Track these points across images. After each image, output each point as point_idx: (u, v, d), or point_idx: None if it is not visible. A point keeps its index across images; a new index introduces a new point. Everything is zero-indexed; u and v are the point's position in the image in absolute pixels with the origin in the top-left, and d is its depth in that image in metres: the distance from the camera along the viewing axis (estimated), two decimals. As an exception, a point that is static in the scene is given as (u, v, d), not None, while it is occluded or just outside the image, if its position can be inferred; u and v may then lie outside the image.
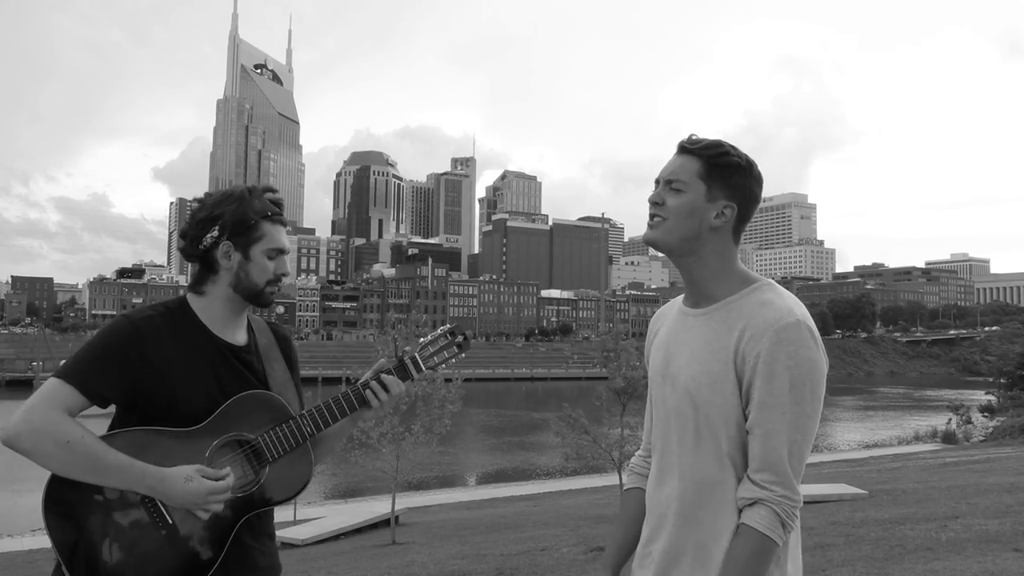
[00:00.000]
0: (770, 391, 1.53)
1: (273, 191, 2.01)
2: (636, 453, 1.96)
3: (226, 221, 1.89)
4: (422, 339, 2.07)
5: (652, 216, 1.68)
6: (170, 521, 1.76)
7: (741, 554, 1.54)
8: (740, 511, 1.57)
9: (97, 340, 1.81)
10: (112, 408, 1.84)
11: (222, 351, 1.90)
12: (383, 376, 1.99)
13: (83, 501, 1.73)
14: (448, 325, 2.14)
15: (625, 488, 1.94)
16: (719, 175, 1.63)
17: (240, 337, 1.97)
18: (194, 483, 1.74)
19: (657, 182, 1.70)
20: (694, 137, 1.69)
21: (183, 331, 1.87)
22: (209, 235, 1.89)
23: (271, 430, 1.88)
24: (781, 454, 1.53)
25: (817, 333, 1.57)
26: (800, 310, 1.58)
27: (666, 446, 1.71)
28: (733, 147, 1.65)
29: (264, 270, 1.92)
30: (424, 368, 2.04)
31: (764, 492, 1.53)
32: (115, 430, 1.80)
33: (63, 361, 1.83)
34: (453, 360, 2.09)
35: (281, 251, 1.96)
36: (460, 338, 2.07)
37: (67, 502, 1.73)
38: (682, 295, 1.81)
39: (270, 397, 1.92)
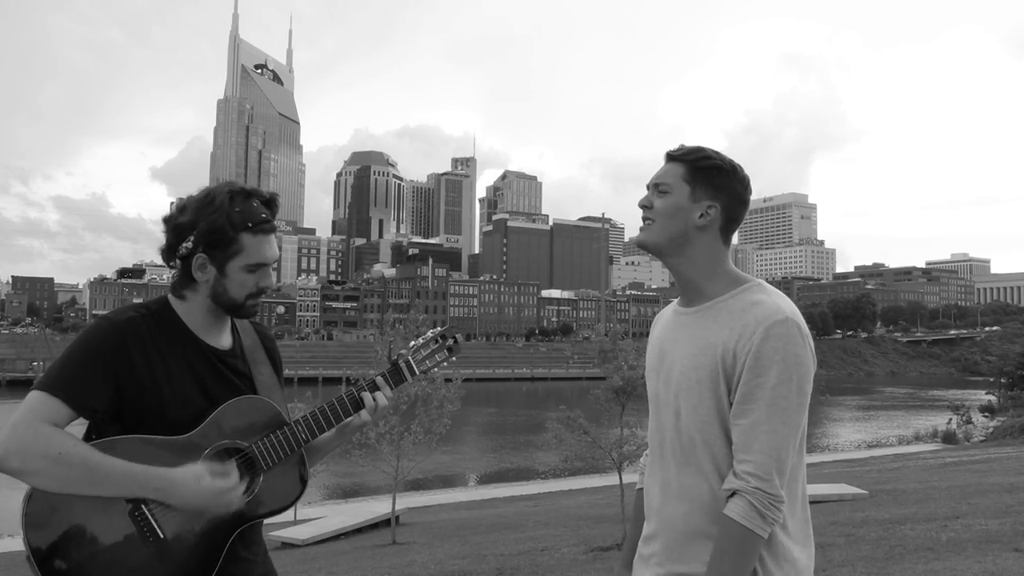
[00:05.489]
0: (758, 384, 1.57)
1: (263, 195, 1.84)
2: (645, 452, 2.00)
3: (201, 231, 1.73)
4: (413, 342, 2.03)
5: (643, 219, 1.79)
6: (161, 535, 1.65)
7: (723, 544, 1.56)
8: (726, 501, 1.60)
9: (79, 346, 1.68)
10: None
11: (207, 355, 1.80)
12: (378, 381, 1.94)
13: (65, 516, 1.61)
14: (439, 328, 2.10)
15: (637, 487, 2.01)
16: (702, 177, 1.73)
17: (225, 340, 1.87)
18: (206, 482, 1.65)
19: (648, 188, 1.82)
20: (680, 146, 1.82)
21: (166, 334, 1.76)
22: (184, 245, 1.75)
23: (264, 438, 1.79)
24: (763, 445, 1.56)
25: (807, 331, 1.62)
26: (790, 308, 1.62)
27: (658, 442, 1.77)
28: (716, 152, 1.76)
29: (242, 285, 1.79)
30: (417, 372, 2.00)
31: (740, 483, 1.56)
32: (96, 440, 1.67)
33: (45, 371, 1.69)
34: (444, 364, 2.05)
35: (262, 264, 1.80)
36: (451, 341, 2.04)
37: (48, 519, 1.61)
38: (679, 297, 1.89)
39: (261, 402, 1.83)
